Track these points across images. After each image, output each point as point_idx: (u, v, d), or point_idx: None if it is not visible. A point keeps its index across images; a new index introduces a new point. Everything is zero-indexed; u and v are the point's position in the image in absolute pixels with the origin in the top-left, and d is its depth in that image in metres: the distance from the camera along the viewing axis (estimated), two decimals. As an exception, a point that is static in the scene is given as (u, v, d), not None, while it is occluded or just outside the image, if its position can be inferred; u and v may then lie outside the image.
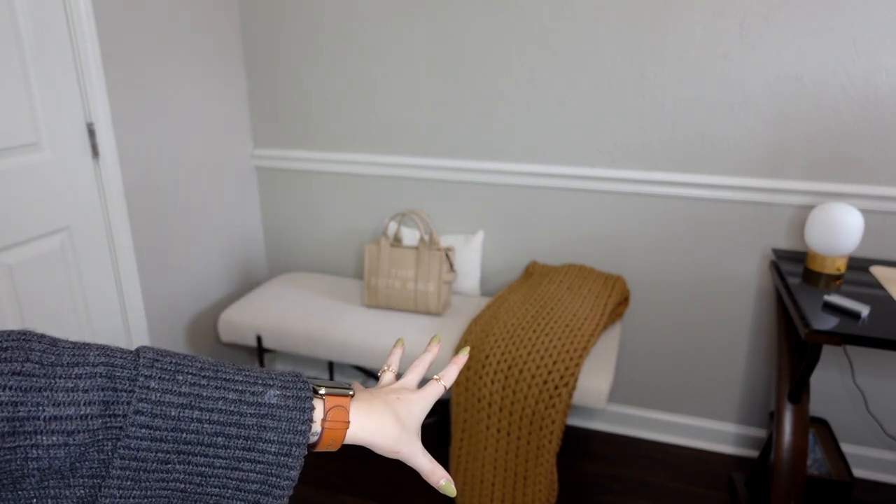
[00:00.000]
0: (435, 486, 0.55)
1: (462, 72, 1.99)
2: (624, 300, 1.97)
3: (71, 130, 1.58)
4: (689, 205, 1.91)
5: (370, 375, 2.41)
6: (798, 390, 1.56)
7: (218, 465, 0.44)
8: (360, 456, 2.08)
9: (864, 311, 1.39)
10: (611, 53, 1.85)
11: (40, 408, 0.39)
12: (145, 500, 0.43)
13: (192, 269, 2.07)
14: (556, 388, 1.56)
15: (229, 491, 0.44)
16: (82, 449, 0.40)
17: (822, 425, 1.91)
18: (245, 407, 0.44)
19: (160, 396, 0.42)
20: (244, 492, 0.45)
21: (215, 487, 0.44)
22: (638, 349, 2.12)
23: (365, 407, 0.51)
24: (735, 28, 1.73)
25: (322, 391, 0.49)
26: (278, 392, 0.46)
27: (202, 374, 0.44)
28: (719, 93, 1.79)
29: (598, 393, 1.63)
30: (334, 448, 0.49)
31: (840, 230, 1.58)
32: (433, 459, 0.55)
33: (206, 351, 2.20)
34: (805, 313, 1.41)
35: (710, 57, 1.77)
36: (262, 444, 0.44)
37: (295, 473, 0.45)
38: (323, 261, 2.40)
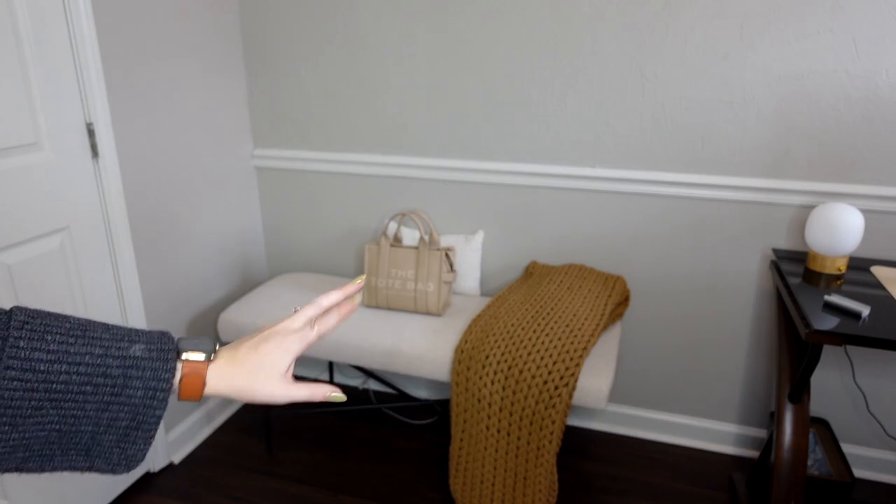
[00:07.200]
0: (325, 400, 0.62)
1: (462, 72, 1.99)
2: (624, 300, 1.97)
3: (71, 130, 1.58)
4: (689, 205, 1.91)
5: (370, 375, 2.41)
6: (798, 390, 1.56)
7: (89, 408, 0.50)
8: (360, 456, 2.08)
9: (865, 311, 1.39)
10: (611, 53, 1.84)
11: None
12: (24, 441, 0.48)
13: (192, 268, 2.07)
14: (556, 388, 1.56)
15: (102, 427, 0.51)
16: None
17: (823, 425, 1.91)
18: (111, 360, 0.50)
19: (29, 354, 0.47)
20: (115, 427, 0.52)
21: (88, 425, 0.50)
22: (638, 349, 2.12)
23: (220, 371, 0.57)
24: (735, 28, 1.73)
25: (183, 356, 0.55)
26: (143, 346, 0.52)
27: (70, 334, 0.50)
28: (719, 93, 1.79)
29: (598, 393, 1.63)
30: (195, 400, 0.56)
31: (840, 230, 1.58)
32: (308, 385, 0.61)
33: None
34: (805, 313, 1.41)
35: (710, 57, 1.77)
36: (128, 390, 0.51)
37: (160, 412, 0.53)
38: (323, 261, 2.40)
